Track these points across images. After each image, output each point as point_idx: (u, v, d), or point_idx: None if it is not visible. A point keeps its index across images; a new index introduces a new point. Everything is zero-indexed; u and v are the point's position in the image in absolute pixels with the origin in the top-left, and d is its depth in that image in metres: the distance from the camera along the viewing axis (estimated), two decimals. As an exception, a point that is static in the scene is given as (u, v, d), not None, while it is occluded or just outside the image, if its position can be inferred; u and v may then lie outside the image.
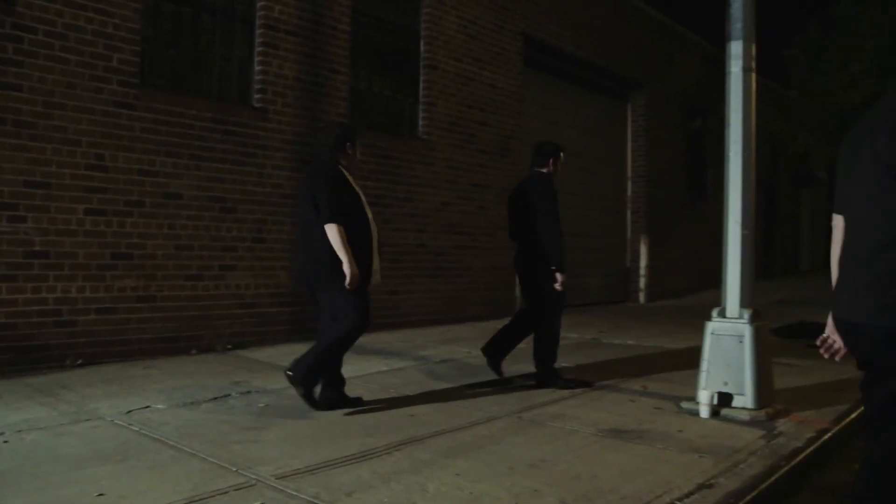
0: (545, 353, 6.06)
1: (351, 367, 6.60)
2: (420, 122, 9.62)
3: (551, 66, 12.18)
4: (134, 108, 6.77)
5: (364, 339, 8.07)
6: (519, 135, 10.96)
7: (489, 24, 10.46)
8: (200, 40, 7.52)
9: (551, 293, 5.91)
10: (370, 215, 5.12)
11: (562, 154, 6.31)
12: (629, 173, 14.18)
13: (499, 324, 9.67)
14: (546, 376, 6.03)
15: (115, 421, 4.63)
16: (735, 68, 5.27)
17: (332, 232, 4.82)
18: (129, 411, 4.87)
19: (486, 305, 10.36)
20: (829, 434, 4.85)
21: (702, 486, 3.72)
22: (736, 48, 5.26)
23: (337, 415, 4.96)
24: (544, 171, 6.18)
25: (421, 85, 9.62)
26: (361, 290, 4.97)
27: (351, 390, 5.37)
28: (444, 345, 8.04)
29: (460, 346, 7.96)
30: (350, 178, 5.10)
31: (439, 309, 9.71)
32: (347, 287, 4.83)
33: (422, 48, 9.63)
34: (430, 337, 8.55)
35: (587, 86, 13.17)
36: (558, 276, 5.84)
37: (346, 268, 4.81)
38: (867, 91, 14.67)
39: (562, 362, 7.01)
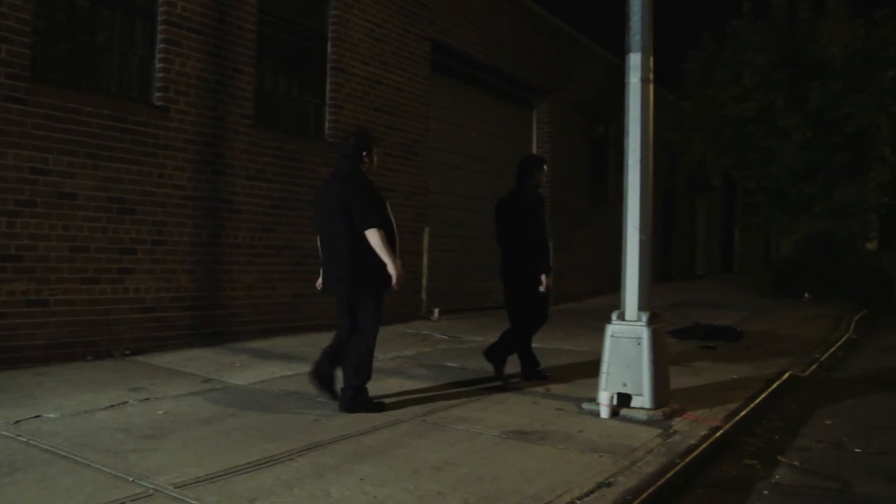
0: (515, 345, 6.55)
1: (253, 373, 6.51)
2: (326, 125, 9.54)
3: (459, 71, 12.29)
4: (25, 103, 6.46)
5: (266, 344, 8.01)
6: (426, 138, 11.01)
7: (397, 27, 10.47)
8: (98, 34, 7.25)
9: (536, 294, 6.39)
10: (393, 220, 5.30)
11: (545, 166, 6.98)
12: (534, 179, 14.43)
13: (406, 327, 9.75)
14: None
15: (2, 432, 4.41)
16: (634, 79, 5.45)
17: (373, 236, 5.03)
18: (18, 421, 4.64)
19: (393, 309, 10.32)
20: (721, 431, 5.05)
21: (601, 485, 3.83)
22: (635, 60, 5.44)
23: (241, 421, 4.88)
24: (533, 182, 6.68)
25: (328, 87, 9.54)
26: (380, 300, 5.24)
27: (253, 396, 5.28)
28: (350, 349, 7.99)
29: (366, 350, 7.93)
30: (373, 184, 5.36)
31: (345, 313, 9.63)
32: (394, 287, 5.10)
33: (329, 50, 9.56)
34: (335, 341, 8.48)
35: (494, 92, 13.35)
36: (543, 278, 6.40)
37: (391, 269, 5.06)
38: (757, 104, 15.40)
39: (468, 366, 7.10)
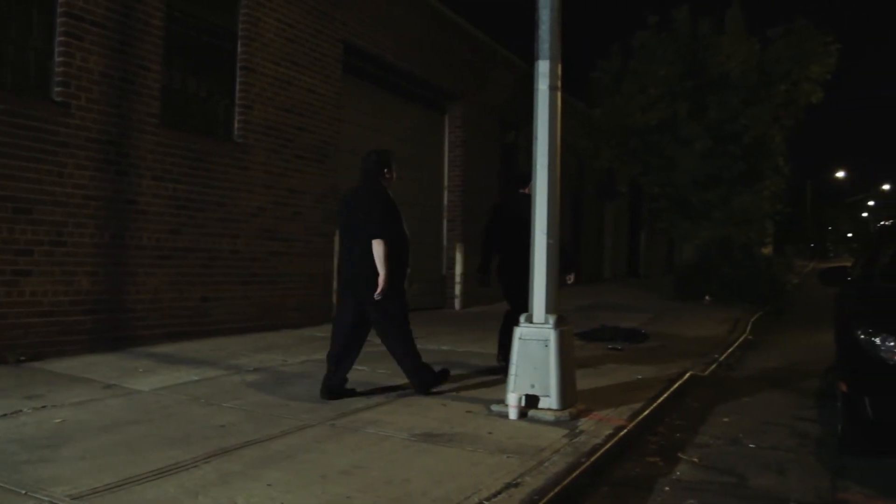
0: None
1: (158, 378, 6.34)
2: (236, 125, 9.37)
3: (371, 74, 12.26)
4: (-89, 97, 6.12)
5: (172, 349, 7.81)
6: (337, 141, 10.94)
7: (308, 28, 10.37)
8: (-8, 26, 6.92)
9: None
10: (408, 232, 6.04)
11: None
12: (446, 183, 14.54)
13: (316, 331, 9.65)
14: None
15: None
16: (543, 86, 5.55)
17: (377, 246, 5.63)
18: None
19: (302, 312, 10.25)
20: (625, 430, 5.20)
21: (509, 486, 3.88)
22: (543, 67, 5.55)
23: (143, 428, 4.74)
24: (527, 192, 6.85)
25: (237, 87, 9.37)
26: (402, 291, 5.95)
27: (157, 402, 5.15)
28: (259, 353, 7.87)
29: (275, 354, 7.83)
30: (390, 196, 5.94)
31: (253, 316, 9.49)
32: (376, 296, 5.63)
33: (239, 49, 9.39)
34: (243, 345, 8.34)
35: (406, 96, 13.38)
36: None
37: (381, 279, 5.63)
38: (662, 114, 15.93)
39: (378, 370, 7.08)
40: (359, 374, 6.94)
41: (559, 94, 5.59)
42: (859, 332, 4.91)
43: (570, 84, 15.29)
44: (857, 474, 4.72)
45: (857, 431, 4.91)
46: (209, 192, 8.77)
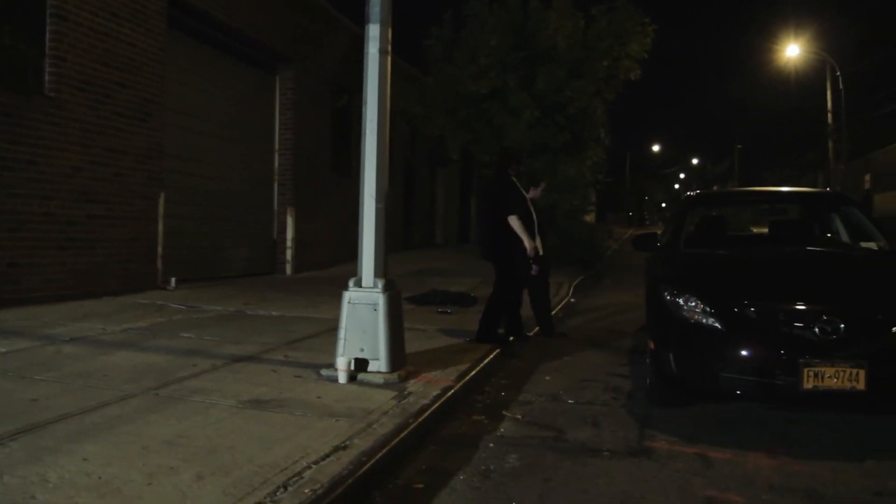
0: (495, 315, 7.44)
1: (-42, 351, 5.85)
2: (47, 78, 8.67)
3: (199, 31, 11.70)
4: None
5: (-25, 319, 7.21)
6: (161, 98, 10.39)
7: (128, -23, 9.72)
8: None
9: (522, 265, 7.49)
10: (532, 209, 7.69)
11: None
12: (277, 146, 14.19)
13: (140, 298, 9.25)
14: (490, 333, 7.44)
15: None
16: (373, 49, 5.53)
17: (513, 221, 7.23)
18: None
19: (124, 279, 9.74)
20: (453, 391, 5.38)
21: (337, 448, 3.92)
22: (374, 31, 5.53)
23: (-61, 405, 4.38)
24: (512, 172, 7.74)
25: (48, 36, 8.65)
26: (512, 265, 7.41)
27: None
28: (77, 322, 7.43)
29: (94, 323, 7.42)
30: (518, 184, 7.65)
31: (70, 284, 8.91)
32: (529, 252, 7.34)
33: (49, -5, 8.67)
34: (59, 314, 7.83)
35: (237, 55, 12.87)
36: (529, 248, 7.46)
37: (526, 243, 7.29)
38: (492, 83, 16.31)
39: (206, 336, 6.89)
40: (187, 342, 6.73)
41: (389, 58, 5.60)
42: (665, 294, 5.32)
43: (404, 49, 15.34)
44: (662, 424, 5.13)
45: (662, 385, 5.35)
46: (17, 150, 8.10)
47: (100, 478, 3.35)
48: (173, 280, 10.41)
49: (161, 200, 10.39)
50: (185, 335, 7.04)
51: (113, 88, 9.48)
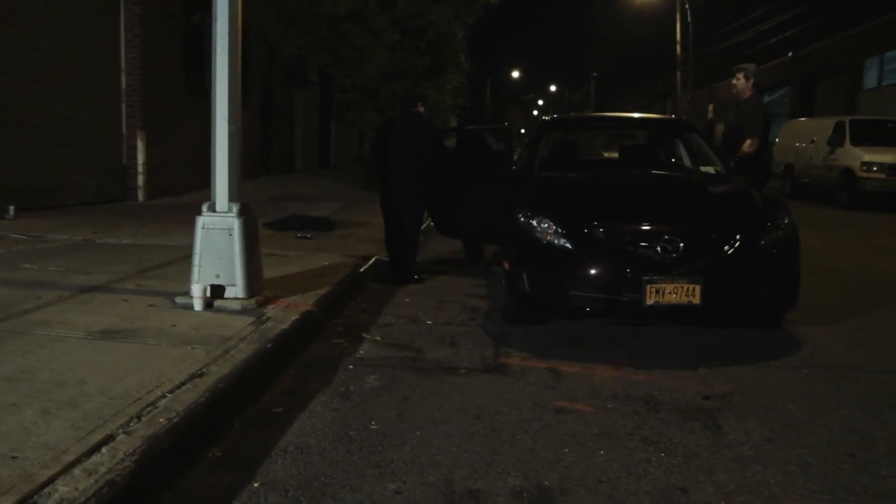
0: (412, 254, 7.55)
1: None
2: None
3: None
4: None
5: None
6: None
7: None
8: None
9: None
10: None
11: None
12: (124, 66, 13.31)
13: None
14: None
15: None
16: (222, -40, 5.25)
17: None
18: None
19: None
20: (312, 315, 5.37)
21: (193, 376, 3.85)
22: (224, -58, 5.24)
23: None
24: (421, 110, 7.63)
25: None
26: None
27: None
28: None
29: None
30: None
31: None
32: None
33: None
34: None
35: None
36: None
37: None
38: (351, 3, 15.89)
39: (49, 266, 6.53)
40: (29, 273, 6.35)
41: (240, -29, 5.33)
42: (519, 216, 5.48)
43: (258, -35, 14.61)
44: (517, 341, 5.35)
45: (517, 303, 5.56)
46: None
47: (-68, 416, 3.17)
48: (12, 208, 9.72)
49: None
50: (28, 266, 6.63)
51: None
